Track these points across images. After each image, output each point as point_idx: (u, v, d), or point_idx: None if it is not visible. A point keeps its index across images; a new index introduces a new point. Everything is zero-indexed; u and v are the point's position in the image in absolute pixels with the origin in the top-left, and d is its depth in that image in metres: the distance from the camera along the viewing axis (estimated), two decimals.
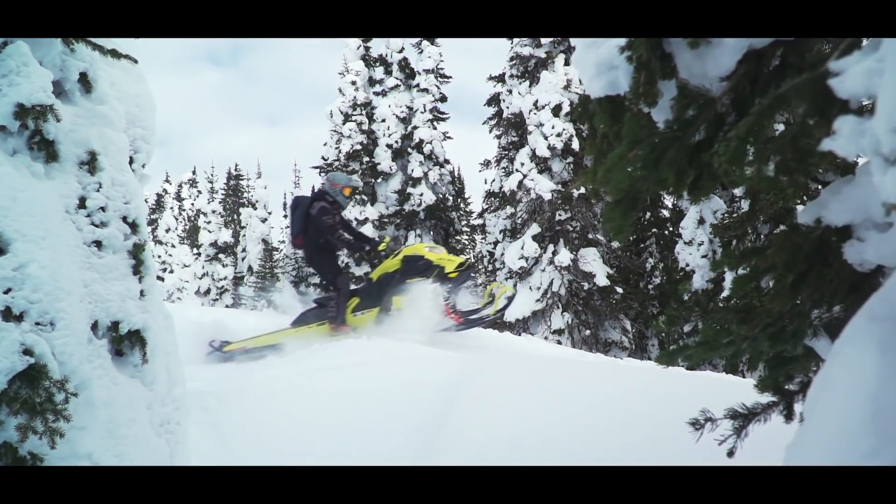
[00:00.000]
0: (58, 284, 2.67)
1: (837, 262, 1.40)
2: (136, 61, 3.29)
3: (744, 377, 10.68)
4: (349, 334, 7.69)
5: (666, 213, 20.73)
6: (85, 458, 2.60)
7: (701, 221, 16.71)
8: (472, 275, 8.29)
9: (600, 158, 1.53)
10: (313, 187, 22.70)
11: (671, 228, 20.08)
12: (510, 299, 8.05)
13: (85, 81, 3.11)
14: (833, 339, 1.62)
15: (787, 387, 1.90)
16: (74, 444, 2.60)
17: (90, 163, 3.01)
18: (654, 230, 20.29)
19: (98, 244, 2.99)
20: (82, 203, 2.97)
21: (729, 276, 14.86)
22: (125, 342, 3.00)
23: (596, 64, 1.46)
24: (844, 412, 1.03)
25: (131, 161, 3.34)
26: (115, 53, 3.14)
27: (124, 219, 3.12)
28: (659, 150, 1.31)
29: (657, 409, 4.21)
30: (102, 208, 3.02)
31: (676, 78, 1.35)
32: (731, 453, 2.05)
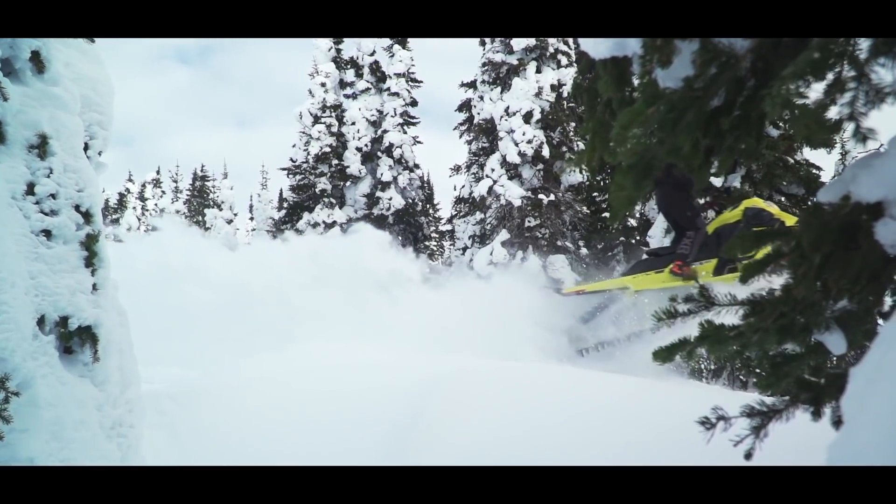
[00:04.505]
0: (0, 275, 2.48)
1: (867, 243, 1.29)
2: (93, 40, 3.10)
3: (708, 383, 10.74)
4: (687, 281, 7.64)
5: (633, 222, 20.88)
6: (26, 462, 2.41)
7: (668, 230, 16.82)
8: None
9: (601, 130, 1.42)
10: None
11: (639, 237, 20.23)
12: None
13: (37, 61, 2.92)
14: (846, 333, 1.53)
15: (814, 380, 1.79)
16: (15, 447, 2.41)
17: (40, 146, 2.81)
18: (622, 238, 20.41)
19: (47, 233, 2.79)
20: (30, 189, 2.77)
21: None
22: (75, 339, 2.80)
23: None
24: None
25: (86, 147, 3.15)
26: None
27: (77, 207, 2.93)
28: (678, 109, 1.20)
29: (631, 416, 4.14)
30: (53, 195, 2.83)
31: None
32: (748, 455, 1.94)
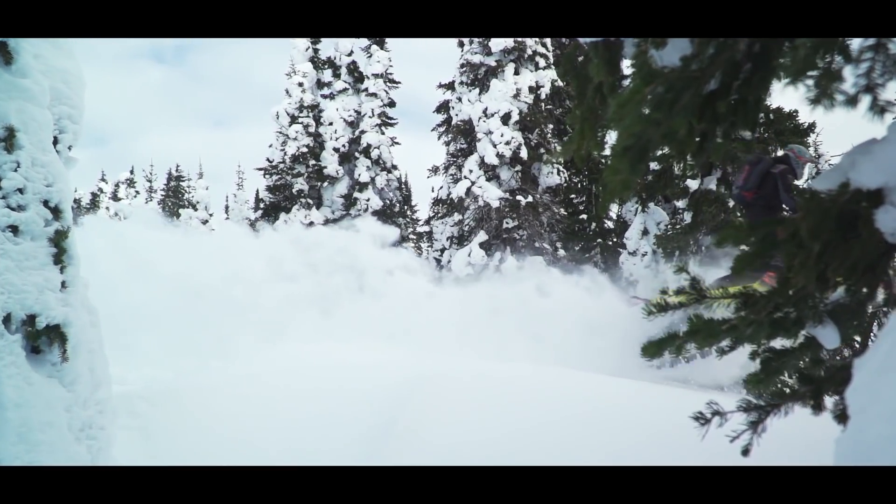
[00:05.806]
0: None
1: (867, 231, 1.27)
2: None
3: (684, 384, 10.85)
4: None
5: (610, 224, 21.02)
6: None
7: (645, 232, 16.93)
8: None
9: (591, 117, 1.40)
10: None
11: (615, 239, 20.36)
12: None
13: (4, 51, 2.84)
14: (839, 327, 1.52)
15: (816, 375, 1.76)
16: None
17: (7, 140, 2.73)
18: (599, 240, 20.54)
19: (14, 229, 2.71)
20: None
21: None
22: (42, 338, 2.72)
23: None
24: None
25: (56, 141, 3.06)
26: None
27: (45, 203, 2.84)
28: (676, 89, 1.18)
29: (616, 416, 4.13)
30: (20, 190, 2.74)
31: None
32: (745, 452, 1.91)
